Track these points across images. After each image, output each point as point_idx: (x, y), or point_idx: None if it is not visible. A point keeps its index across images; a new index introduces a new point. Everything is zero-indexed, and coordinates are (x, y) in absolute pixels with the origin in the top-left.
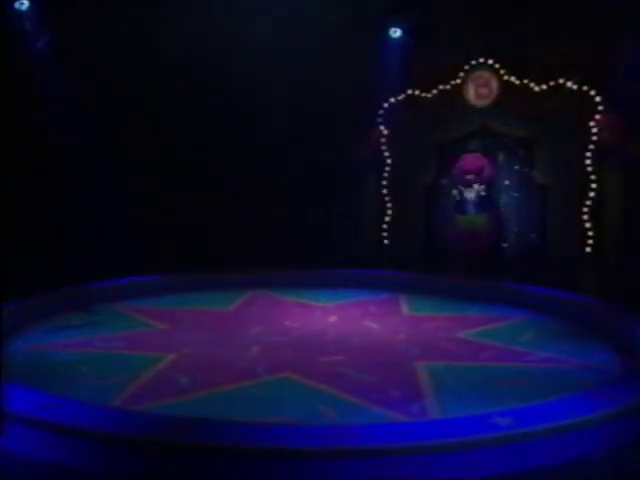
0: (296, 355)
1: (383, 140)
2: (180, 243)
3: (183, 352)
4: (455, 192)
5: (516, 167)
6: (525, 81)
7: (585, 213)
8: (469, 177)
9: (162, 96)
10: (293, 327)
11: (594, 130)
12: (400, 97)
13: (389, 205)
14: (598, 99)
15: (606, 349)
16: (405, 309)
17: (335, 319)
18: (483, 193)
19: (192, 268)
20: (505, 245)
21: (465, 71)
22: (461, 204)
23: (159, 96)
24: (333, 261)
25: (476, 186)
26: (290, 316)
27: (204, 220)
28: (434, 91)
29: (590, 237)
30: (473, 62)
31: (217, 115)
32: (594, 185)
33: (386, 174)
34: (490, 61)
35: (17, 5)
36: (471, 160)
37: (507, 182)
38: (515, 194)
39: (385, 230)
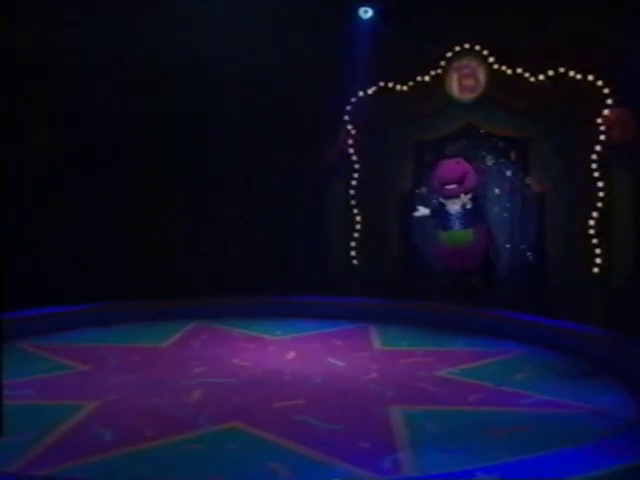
0: (246, 400)
1: (351, 141)
2: (105, 266)
3: (107, 399)
4: (435, 203)
5: (508, 173)
6: (518, 70)
7: (591, 226)
8: (450, 188)
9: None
10: (243, 366)
11: (601, 128)
12: (371, 90)
13: (358, 218)
14: (606, 91)
15: (618, 390)
16: (377, 343)
17: (293, 356)
18: (469, 205)
19: (119, 296)
20: (497, 265)
21: (447, 59)
22: (443, 219)
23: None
24: (291, 285)
25: (461, 197)
26: (239, 353)
27: (135, 238)
28: (411, 83)
29: (597, 255)
30: (457, 48)
31: (156, 115)
32: (601, 193)
33: (354, 181)
34: (477, 47)
35: None
36: (450, 167)
37: (497, 191)
38: (507, 204)
39: (353, 248)
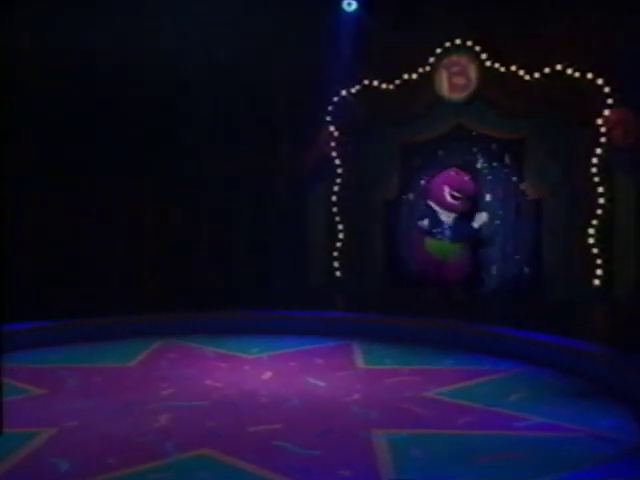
0: (218, 425)
1: (333, 143)
2: (65, 280)
3: (66, 426)
4: (425, 208)
5: (501, 178)
6: (513, 68)
7: (591, 235)
8: (455, 202)
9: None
10: (215, 387)
11: (602, 129)
12: (355, 89)
13: (341, 226)
14: (607, 90)
15: (619, 412)
16: (360, 361)
17: (270, 375)
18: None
19: (81, 312)
20: (486, 278)
21: (437, 55)
22: (433, 225)
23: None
24: (268, 299)
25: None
26: (211, 373)
27: (97, 249)
28: (397, 81)
29: (598, 266)
30: (446, 44)
31: (127, 115)
32: (602, 199)
33: (337, 187)
34: (468, 43)
35: None
36: (468, 181)
37: (489, 197)
38: (499, 212)
39: (336, 258)
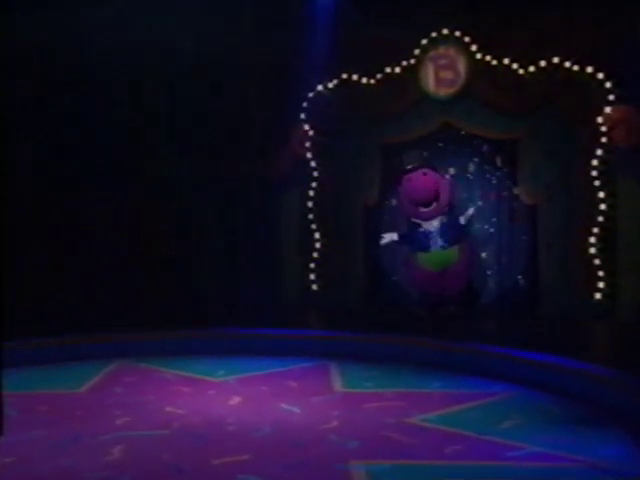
0: (178, 457)
1: (308, 144)
2: (6, 297)
3: (4, 462)
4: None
5: (493, 181)
6: (505, 61)
7: (591, 244)
8: (426, 210)
9: None
10: (176, 415)
11: (603, 128)
12: (332, 83)
13: (317, 235)
14: (608, 85)
15: (622, 440)
16: (338, 384)
17: (238, 401)
18: (445, 219)
19: (25, 332)
20: (481, 290)
21: (422, 47)
22: (421, 239)
23: None
24: (237, 316)
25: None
26: (172, 399)
27: (45, 264)
28: (379, 75)
29: (600, 278)
30: (433, 34)
31: (90, 118)
32: (603, 205)
33: (312, 192)
34: (457, 33)
35: None
36: (420, 184)
37: (480, 203)
38: (493, 219)
39: (312, 270)
